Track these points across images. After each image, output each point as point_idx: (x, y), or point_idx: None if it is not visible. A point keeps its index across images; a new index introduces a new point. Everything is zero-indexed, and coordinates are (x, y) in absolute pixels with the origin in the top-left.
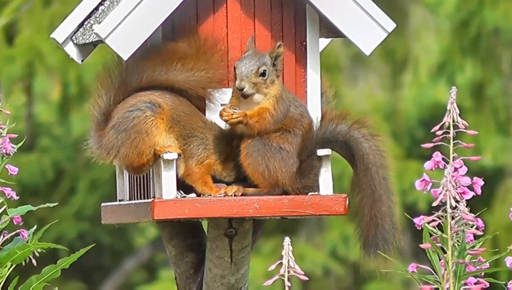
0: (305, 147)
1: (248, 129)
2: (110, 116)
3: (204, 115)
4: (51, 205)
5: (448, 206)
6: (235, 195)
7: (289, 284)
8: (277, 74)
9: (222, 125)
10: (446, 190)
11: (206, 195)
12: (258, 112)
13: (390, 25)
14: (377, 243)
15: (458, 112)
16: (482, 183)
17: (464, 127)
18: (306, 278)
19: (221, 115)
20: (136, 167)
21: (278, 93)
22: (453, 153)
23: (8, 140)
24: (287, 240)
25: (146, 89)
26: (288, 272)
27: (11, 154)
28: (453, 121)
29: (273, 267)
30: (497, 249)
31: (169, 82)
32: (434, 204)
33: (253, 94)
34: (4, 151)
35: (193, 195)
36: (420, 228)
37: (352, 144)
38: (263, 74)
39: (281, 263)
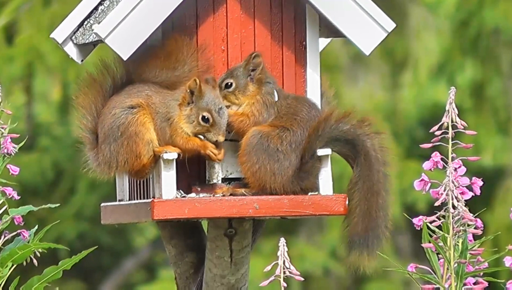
0: (310, 146)
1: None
2: (98, 133)
3: None
4: (53, 205)
5: (450, 206)
6: (223, 196)
7: (285, 285)
8: (257, 83)
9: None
10: (448, 190)
11: (194, 146)
12: (236, 114)
13: (390, 25)
14: (366, 236)
15: (457, 112)
16: (481, 183)
17: (462, 127)
18: (302, 279)
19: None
20: (138, 170)
21: (254, 100)
22: (452, 153)
23: (9, 140)
24: (282, 241)
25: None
26: (284, 272)
27: (13, 154)
28: (452, 121)
29: (268, 267)
30: (497, 249)
31: (142, 82)
32: (437, 203)
33: (228, 107)
34: (5, 151)
35: (193, 195)
36: (419, 228)
37: (358, 142)
38: (227, 86)
39: (277, 264)
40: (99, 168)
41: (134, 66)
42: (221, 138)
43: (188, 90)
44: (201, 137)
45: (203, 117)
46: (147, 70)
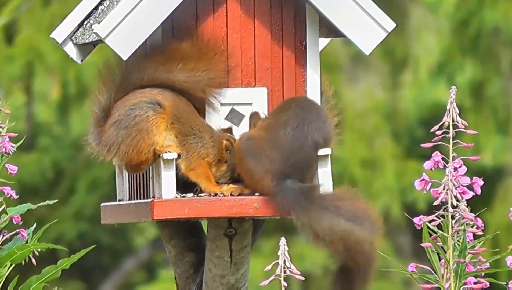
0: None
1: None
2: (110, 113)
3: (204, 118)
4: (51, 202)
5: (449, 205)
6: (231, 195)
7: (285, 284)
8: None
9: (215, 127)
10: (447, 189)
11: (210, 192)
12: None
13: (390, 25)
14: None
15: (457, 111)
16: (481, 183)
17: (463, 126)
18: (302, 278)
19: None
20: (135, 165)
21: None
22: (452, 153)
23: (7, 139)
24: (283, 240)
25: (146, 87)
26: (285, 272)
27: (11, 153)
28: (453, 120)
29: (269, 267)
30: (498, 249)
31: (169, 82)
32: (436, 203)
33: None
34: (3, 150)
35: (190, 194)
36: (419, 228)
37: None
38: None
39: (277, 263)
40: (98, 148)
41: (161, 63)
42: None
43: (225, 150)
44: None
45: (234, 174)
46: (177, 69)
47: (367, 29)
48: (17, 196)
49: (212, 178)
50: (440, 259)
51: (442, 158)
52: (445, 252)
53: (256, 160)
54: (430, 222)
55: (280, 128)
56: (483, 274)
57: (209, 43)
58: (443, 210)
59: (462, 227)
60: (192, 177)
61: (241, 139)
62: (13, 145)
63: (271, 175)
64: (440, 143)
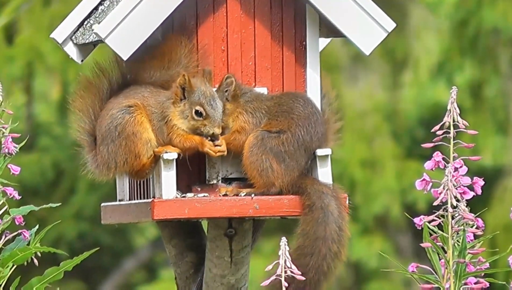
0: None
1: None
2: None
3: None
4: (54, 205)
5: (449, 205)
6: (225, 195)
7: (286, 284)
8: (233, 100)
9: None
10: (447, 189)
11: (207, 149)
12: (227, 138)
13: (390, 25)
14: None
15: (458, 112)
16: (482, 183)
17: (464, 127)
18: (303, 278)
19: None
20: (138, 170)
21: (237, 113)
22: (453, 153)
23: (10, 139)
24: (283, 240)
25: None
26: (285, 272)
27: (14, 153)
28: (454, 121)
29: (270, 267)
30: (497, 249)
31: (138, 82)
32: (435, 203)
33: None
34: (6, 150)
35: (190, 194)
36: (420, 228)
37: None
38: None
39: (278, 263)
40: (97, 170)
41: (130, 67)
42: (217, 130)
43: (179, 86)
44: (200, 132)
45: (196, 111)
46: (142, 71)
47: (367, 29)
48: (20, 197)
49: (190, 135)
50: (440, 259)
51: (443, 158)
52: (445, 252)
53: (277, 157)
54: (430, 222)
55: (292, 132)
56: (482, 274)
57: (168, 42)
58: (443, 210)
59: (462, 227)
60: (176, 143)
61: (254, 136)
62: (16, 145)
63: (293, 175)
64: (440, 143)
